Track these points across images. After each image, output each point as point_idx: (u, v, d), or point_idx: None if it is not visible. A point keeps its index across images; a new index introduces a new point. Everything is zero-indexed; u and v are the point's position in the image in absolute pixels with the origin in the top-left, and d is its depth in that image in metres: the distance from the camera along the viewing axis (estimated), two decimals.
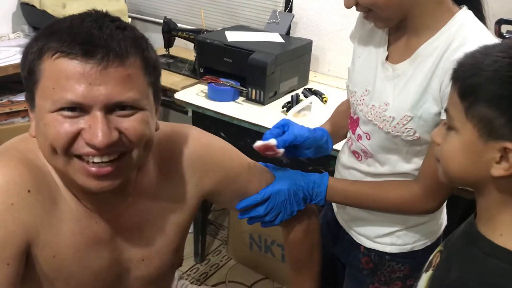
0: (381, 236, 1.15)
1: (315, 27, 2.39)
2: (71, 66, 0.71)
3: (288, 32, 2.38)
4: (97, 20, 0.75)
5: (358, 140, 1.12)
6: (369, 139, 1.09)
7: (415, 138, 1.01)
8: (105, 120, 0.73)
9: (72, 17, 0.77)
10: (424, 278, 0.84)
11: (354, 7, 1.02)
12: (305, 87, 2.20)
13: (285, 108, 1.98)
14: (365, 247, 1.19)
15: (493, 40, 0.93)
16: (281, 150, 1.09)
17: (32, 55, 0.75)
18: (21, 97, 2.41)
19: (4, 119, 2.39)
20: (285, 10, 2.44)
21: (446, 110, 0.77)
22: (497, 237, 0.72)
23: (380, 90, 1.05)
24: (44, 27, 0.77)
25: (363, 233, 1.18)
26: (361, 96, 1.10)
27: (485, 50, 0.71)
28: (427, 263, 0.87)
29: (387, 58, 1.06)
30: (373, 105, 1.06)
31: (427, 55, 0.98)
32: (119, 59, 0.73)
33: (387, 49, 1.07)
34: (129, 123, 0.76)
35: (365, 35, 1.14)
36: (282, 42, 2.18)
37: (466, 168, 0.73)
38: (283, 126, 1.15)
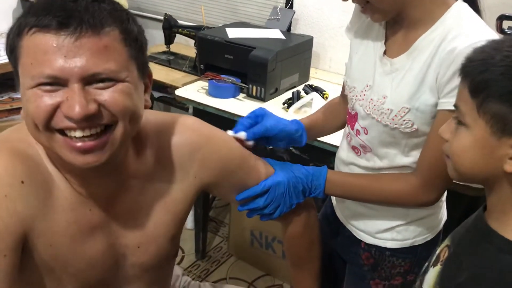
0: (381, 232, 1.15)
1: (316, 24, 2.39)
2: (46, 39, 0.71)
3: (289, 29, 2.38)
4: None
5: (357, 135, 1.12)
6: (366, 134, 1.09)
7: (413, 130, 1.01)
8: (82, 92, 0.72)
9: None
10: (433, 273, 0.83)
11: (350, 0, 1.02)
12: (306, 83, 2.19)
13: (286, 105, 1.98)
14: (365, 243, 1.19)
15: (489, 31, 0.93)
16: (250, 143, 1.10)
17: (12, 34, 0.75)
18: None
19: (5, 116, 2.39)
20: (286, 7, 2.43)
21: (455, 106, 0.76)
22: (509, 232, 0.72)
23: (378, 84, 1.05)
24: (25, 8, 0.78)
25: (363, 228, 1.19)
26: (361, 91, 1.10)
27: (495, 45, 0.71)
28: (434, 257, 0.87)
29: (385, 53, 1.07)
30: (371, 99, 1.06)
31: (424, 48, 0.98)
32: (92, 29, 0.72)
33: (385, 43, 1.07)
34: (108, 95, 0.75)
35: (362, 30, 1.14)
36: (283, 39, 2.17)
37: (478, 164, 0.73)
38: (257, 117, 1.16)
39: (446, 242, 0.86)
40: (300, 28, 2.44)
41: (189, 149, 0.96)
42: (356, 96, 1.11)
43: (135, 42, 0.79)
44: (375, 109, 1.05)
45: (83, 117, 0.72)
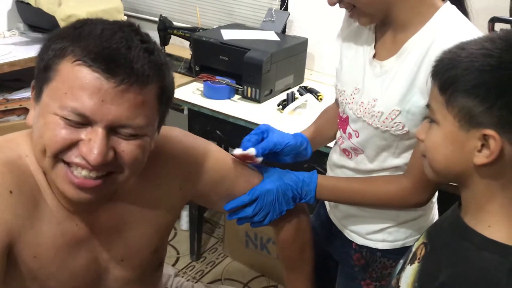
0: (373, 233, 1.16)
1: (311, 25, 2.40)
2: (90, 78, 0.71)
3: (283, 30, 2.38)
4: (128, 38, 0.74)
5: (349, 139, 1.13)
6: (358, 137, 1.10)
7: (404, 132, 1.02)
8: (105, 138, 0.73)
9: (104, 26, 0.75)
10: (410, 270, 0.84)
11: (338, 5, 1.03)
12: (301, 85, 2.20)
13: (280, 106, 1.99)
14: (356, 244, 1.19)
15: (477, 32, 0.95)
16: (260, 159, 1.10)
17: (53, 52, 0.74)
18: (16, 95, 2.40)
19: (0, 117, 2.38)
20: (280, 8, 2.44)
21: (428, 106, 0.79)
22: (485, 229, 0.73)
23: (368, 87, 1.06)
24: (74, 26, 0.76)
25: (354, 229, 1.19)
26: (351, 94, 1.10)
27: (461, 45, 0.74)
28: (411, 255, 0.87)
29: (374, 56, 1.07)
30: (362, 102, 1.07)
31: (413, 50, 0.99)
32: (139, 86, 0.73)
33: (374, 47, 1.08)
34: (127, 146, 0.76)
35: (351, 35, 1.14)
36: (278, 40, 2.18)
37: (450, 160, 0.75)
38: (263, 133, 1.16)
39: (422, 239, 0.87)
40: (295, 30, 2.44)
41: (173, 161, 0.96)
42: (346, 99, 1.12)
43: (167, 100, 0.81)
44: (366, 112, 1.05)
45: (100, 164, 0.73)
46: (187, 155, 0.98)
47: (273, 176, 1.08)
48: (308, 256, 1.21)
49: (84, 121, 0.73)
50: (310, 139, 1.25)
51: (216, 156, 1.04)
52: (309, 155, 1.25)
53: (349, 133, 1.12)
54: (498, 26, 1.60)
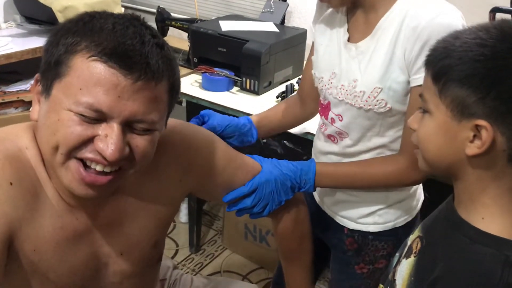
0: (363, 217, 1.17)
1: (310, 16, 2.37)
2: (106, 74, 0.71)
3: (282, 22, 2.37)
4: (141, 33, 0.74)
5: (332, 124, 1.14)
6: (341, 120, 1.11)
7: (387, 109, 1.03)
8: (121, 134, 0.73)
9: (114, 20, 0.75)
10: (406, 264, 0.84)
11: None
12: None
13: (279, 98, 1.98)
14: (348, 229, 1.20)
15: (448, 4, 0.96)
16: None
17: (65, 48, 0.73)
18: (13, 88, 2.39)
19: None
20: (279, 0, 2.43)
21: (421, 95, 0.79)
22: (479, 221, 0.73)
23: (346, 70, 1.07)
24: (83, 20, 0.75)
25: (345, 215, 1.20)
26: (329, 80, 1.12)
27: (456, 34, 0.73)
28: (406, 248, 0.87)
29: (348, 40, 1.08)
30: (342, 85, 1.08)
31: (387, 28, 1.00)
32: (154, 81, 0.74)
33: (348, 30, 1.09)
34: (140, 141, 0.77)
35: (324, 22, 1.16)
36: (277, 32, 2.17)
37: (442, 150, 0.74)
38: (203, 117, 1.19)
39: (418, 232, 0.86)
40: (294, 21, 2.43)
41: (173, 153, 0.95)
42: (325, 86, 1.13)
43: (176, 94, 0.82)
44: (348, 94, 1.06)
45: (116, 159, 0.73)
46: (187, 146, 0.97)
47: (272, 166, 1.08)
48: (306, 246, 1.21)
49: (99, 117, 0.73)
50: (256, 123, 1.28)
51: (215, 146, 1.03)
52: (255, 137, 1.27)
53: (332, 118, 1.13)
54: (499, 17, 1.59)
